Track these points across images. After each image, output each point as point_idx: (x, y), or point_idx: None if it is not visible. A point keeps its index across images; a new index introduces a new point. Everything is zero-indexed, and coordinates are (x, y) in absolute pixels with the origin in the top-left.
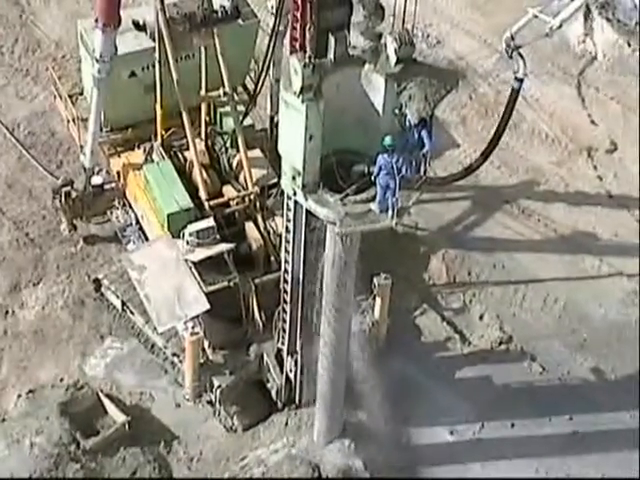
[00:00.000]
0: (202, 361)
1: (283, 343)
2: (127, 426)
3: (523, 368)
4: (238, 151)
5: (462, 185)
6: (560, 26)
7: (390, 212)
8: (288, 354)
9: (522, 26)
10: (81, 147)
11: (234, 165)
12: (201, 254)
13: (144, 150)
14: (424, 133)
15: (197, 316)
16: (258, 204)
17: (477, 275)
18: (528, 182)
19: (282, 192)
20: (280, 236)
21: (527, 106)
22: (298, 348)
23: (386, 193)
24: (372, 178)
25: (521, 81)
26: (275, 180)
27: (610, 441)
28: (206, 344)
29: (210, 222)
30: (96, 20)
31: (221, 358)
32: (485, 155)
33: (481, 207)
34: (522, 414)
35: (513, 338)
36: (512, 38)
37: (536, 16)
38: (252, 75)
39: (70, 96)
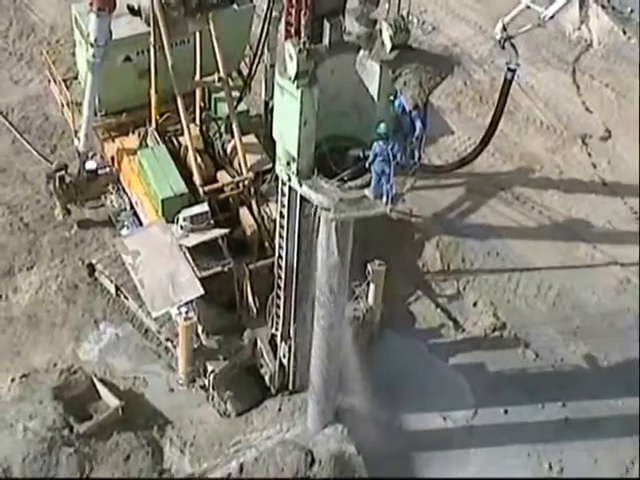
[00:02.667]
0: (196, 346)
1: (277, 329)
2: (120, 411)
3: (517, 355)
4: (232, 136)
5: (456, 172)
6: (552, 17)
7: (385, 198)
8: (282, 340)
9: (515, 16)
10: (75, 131)
11: (228, 150)
12: (195, 239)
13: (139, 135)
14: (418, 120)
15: (191, 301)
16: (252, 190)
17: (471, 262)
18: (523, 169)
19: (276, 178)
20: (274, 222)
21: (522, 93)
22: (292, 334)
23: (381, 179)
24: (367, 164)
25: (514, 71)
26: (269, 166)
27: (602, 427)
28: (200, 329)
29: (204, 207)
30: (91, 4)
31: (215, 343)
32: (482, 145)
33: (476, 194)
34: (515, 401)
35: (507, 325)
36: (504, 29)
37: (529, 7)
38: (247, 60)
39: (64, 80)
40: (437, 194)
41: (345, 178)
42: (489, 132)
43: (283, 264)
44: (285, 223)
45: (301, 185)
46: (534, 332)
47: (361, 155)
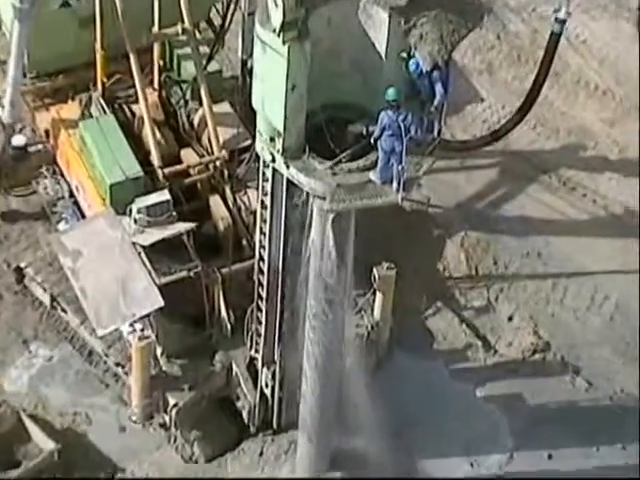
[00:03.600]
0: (154, 373)
1: (257, 351)
2: (57, 455)
3: (564, 383)
4: (201, 104)
5: (487, 150)
6: None
7: (395, 184)
8: (264, 365)
9: None
10: None
11: (195, 123)
12: (153, 236)
13: (80, 102)
14: (438, 83)
15: (148, 315)
16: (226, 173)
17: (505, 265)
18: (572, 146)
19: (257, 158)
20: (254, 214)
21: (571, 50)
22: (276, 357)
23: (390, 160)
24: (372, 140)
25: (563, 22)
26: (248, 142)
27: None
28: (159, 351)
29: (165, 195)
30: None
31: (178, 369)
32: (520, 115)
33: (511, 178)
34: (562, 442)
35: (551, 345)
36: None
37: None
38: (219, 7)
39: None
40: (462, 178)
41: (345, 158)
42: (529, 99)
43: (265, 268)
44: (268, 216)
45: (288, 167)
46: (586, 355)
47: (365, 129)
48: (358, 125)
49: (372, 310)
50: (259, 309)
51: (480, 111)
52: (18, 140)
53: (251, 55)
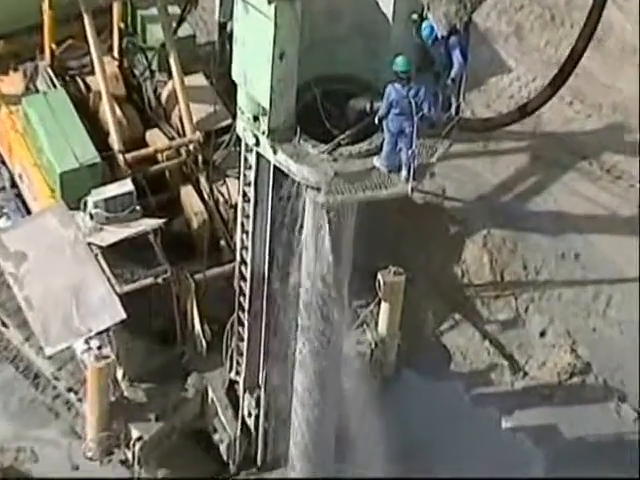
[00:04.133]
0: (114, 399)
1: (238, 372)
2: None
3: (607, 412)
4: (170, 76)
5: (515, 131)
6: None
7: (404, 172)
8: (246, 390)
9: None
10: None
11: (164, 98)
12: (113, 235)
13: (24, 74)
14: (456, 51)
15: (107, 330)
16: (201, 159)
17: (537, 269)
18: (616, 126)
19: (238, 141)
20: (235, 208)
21: (616, 10)
22: (261, 380)
23: (398, 143)
24: (377, 120)
25: None
26: (227, 122)
27: None
28: (119, 374)
29: (127, 186)
30: None
31: (143, 395)
32: (554, 86)
33: (544, 164)
34: None
35: (592, 366)
36: None
37: None
38: None
39: None
40: (484, 165)
41: (344, 141)
42: (565, 69)
43: (248, 273)
44: (251, 210)
45: (276, 152)
46: (633, 378)
47: (369, 105)
48: (360, 101)
49: (376, 323)
50: (240, 323)
51: (506, 84)
52: None
53: (231, 17)
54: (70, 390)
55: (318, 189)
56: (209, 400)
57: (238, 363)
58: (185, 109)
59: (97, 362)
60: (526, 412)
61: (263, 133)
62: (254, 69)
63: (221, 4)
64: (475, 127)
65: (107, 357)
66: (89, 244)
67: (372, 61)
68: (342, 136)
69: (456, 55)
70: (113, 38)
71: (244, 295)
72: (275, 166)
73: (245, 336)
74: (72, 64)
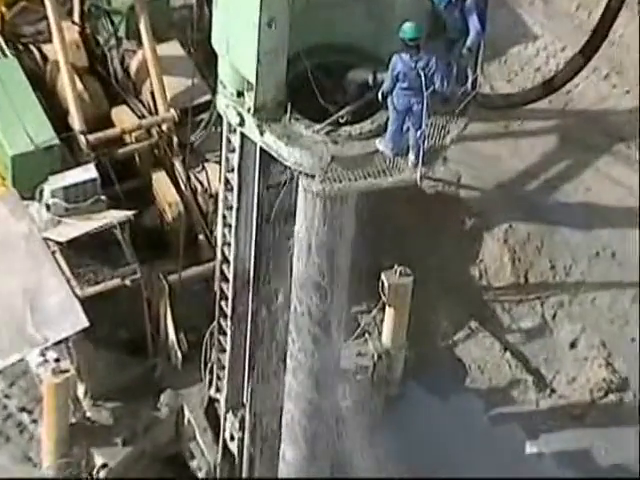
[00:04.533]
0: (74, 421)
1: (219, 389)
2: None
3: None
4: (140, 45)
5: (541, 108)
6: None
7: (412, 156)
8: (228, 409)
9: None
10: None
11: (133, 70)
12: (74, 230)
13: None
14: (473, 16)
15: (66, 340)
16: (176, 140)
17: (566, 269)
18: None
19: (219, 120)
20: (215, 198)
21: None
22: (246, 398)
23: (405, 122)
24: (381, 96)
25: None
26: (206, 98)
27: None
28: (81, 390)
29: (90, 172)
30: None
31: (108, 415)
32: (586, 56)
33: (574, 148)
34: None
35: (629, 382)
36: None
37: None
38: None
39: None
40: (506, 148)
41: (342, 120)
42: (597, 34)
43: (231, 273)
44: (235, 200)
45: (263, 133)
46: None
47: (371, 78)
48: (361, 72)
49: (380, 333)
50: (222, 331)
51: (531, 54)
52: None
53: None
54: (23, 410)
55: (312, 176)
56: (185, 421)
57: (219, 378)
58: (157, 83)
59: (55, 377)
60: (554, 435)
61: (248, 111)
62: (238, 37)
63: None
64: (496, 104)
65: (66, 371)
66: (45, 239)
67: (375, 28)
68: (340, 113)
69: (473, 20)
70: (73, 0)
71: (226, 299)
72: (262, 149)
73: (227, 347)
74: (26, 30)
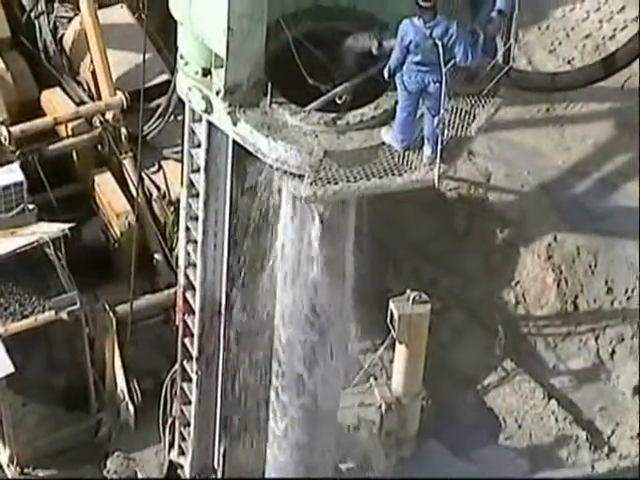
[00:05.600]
0: None
1: (183, 452)
2: None
3: None
4: (77, 10)
5: (593, 87)
6: None
7: (428, 150)
8: (194, 476)
9: None
10: None
11: (68, 43)
12: None
13: None
14: None
15: None
16: (124, 132)
17: (628, 293)
18: None
19: (180, 106)
20: (176, 206)
21: None
22: (217, 461)
23: (419, 107)
24: (387, 73)
25: None
26: (163, 78)
27: None
28: (4, 455)
29: (14, 174)
30: None
31: None
32: None
33: (636, 137)
34: None
35: None
36: None
37: None
38: None
39: None
40: (548, 139)
41: (337, 103)
42: None
43: (197, 302)
44: (200, 209)
45: (237, 122)
46: None
47: (375, 46)
48: (362, 38)
49: (389, 377)
50: (186, 377)
51: (579, 17)
52: None
53: None
54: None
55: (301, 176)
56: None
57: (182, 438)
58: (100, 58)
59: None
60: None
61: (217, 94)
62: (204, 0)
63: None
64: (539, 86)
65: None
66: None
67: None
68: (334, 94)
69: None
70: None
71: (191, 336)
72: (236, 143)
73: (193, 397)
74: None
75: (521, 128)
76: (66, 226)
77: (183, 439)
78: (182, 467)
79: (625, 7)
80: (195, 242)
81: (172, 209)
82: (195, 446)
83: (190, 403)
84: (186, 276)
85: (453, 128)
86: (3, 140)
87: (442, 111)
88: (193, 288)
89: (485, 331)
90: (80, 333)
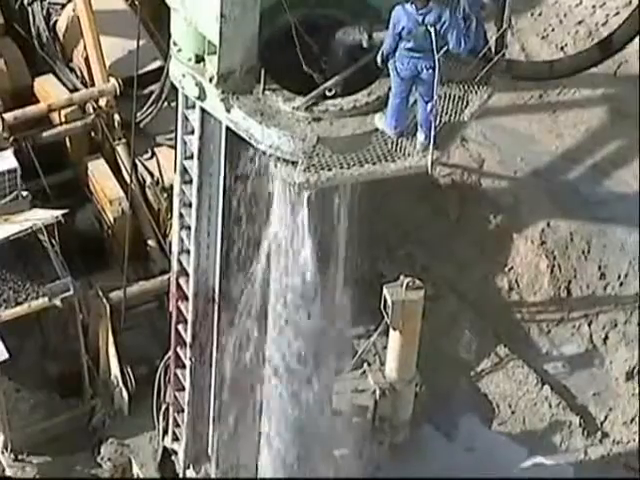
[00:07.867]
0: None
1: (177, 438)
2: None
3: None
4: None
5: (587, 77)
6: None
7: (421, 136)
8: (188, 463)
9: None
10: None
11: (61, 29)
12: None
13: None
14: None
15: None
16: (117, 119)
17: (621, 279)
18: None
19: (173, 93)
20: (169, 192)
21: None
22: (211, 449)
23: (411, 93)
24: (380, 59)
25: None
26: (156, 64)
27: None
28: None
29: (8, 161)
30: None
31: (34, 473)
32: None
33: (630, 124)
34: None
35: None
36: None
37: None
38: None
39: None
40: (541, 125)
41: (330, 91)
42: None
43: (190, 289)
44: (194, 195)
45: (229, 109)
46: None
47: (365, 38)
48: (353, 30)
49: (382, 363)
50: (179, 364)
51: (572, 5)
52: None
53: None
54: None
55: (294, 163)
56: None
57: (177, 424)
58: (93, 45)
59: None
60: None
61: (211, 80)
62: None
63: None
64: (534, 74)
65: None
66: None
67: None
68: (327, 83)
69: None
70: None
71: (185, 322)
72: (229, 129)
73: (187, 384)
74: None
75: (514, 114)
76: (59, 212)
77: (177, 425)
78: (176, 453)
79: None
80: (189, 228)
81: (165, 195)
82: (189, 432)
83: (184, 389)
84: (179, 262)
85: (446, 114)
86: None
87: (435, 97)
88: (187, 274)
89: (478, 317)
90: (74, 319)
